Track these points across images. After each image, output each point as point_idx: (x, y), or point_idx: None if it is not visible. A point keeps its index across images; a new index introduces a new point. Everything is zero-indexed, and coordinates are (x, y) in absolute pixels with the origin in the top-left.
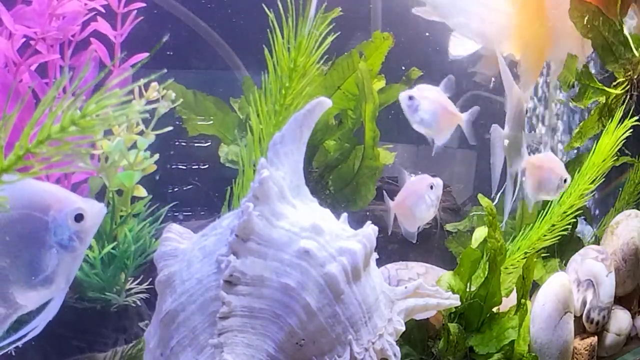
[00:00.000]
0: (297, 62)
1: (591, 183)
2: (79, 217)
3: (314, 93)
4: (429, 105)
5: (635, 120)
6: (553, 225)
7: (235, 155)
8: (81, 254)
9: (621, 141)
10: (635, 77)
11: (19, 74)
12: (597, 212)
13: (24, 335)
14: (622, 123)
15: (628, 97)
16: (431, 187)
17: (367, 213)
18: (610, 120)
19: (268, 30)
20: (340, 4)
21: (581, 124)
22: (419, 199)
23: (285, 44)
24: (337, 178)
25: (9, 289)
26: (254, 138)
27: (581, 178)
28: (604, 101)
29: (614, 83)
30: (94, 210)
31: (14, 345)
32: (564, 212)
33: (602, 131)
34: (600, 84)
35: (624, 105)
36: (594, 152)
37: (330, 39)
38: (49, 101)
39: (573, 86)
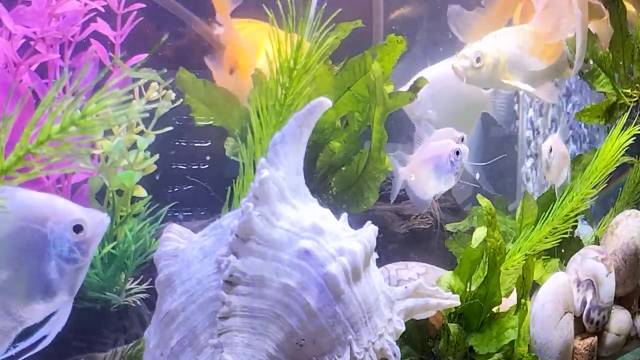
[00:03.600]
0: (297, 62)
1: (593, 188)
2: (77, 228)
3: (323, 93)
4: None
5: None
6: (554, 228)
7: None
8: (84, 265)
9: (624, 148)
10: None
11: (19, 74)
12: (597, 212)
13: (34, 346)
14: (625, 130)
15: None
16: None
17: (369, 213)
18: (613, 127)
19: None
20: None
21: (593, 104)
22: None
23: (285, 44)
24: (340, 179)
25: (11, 302)
26: (254, 138)
27: (583, 183)
28: (614, 99)
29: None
30: (94, 221)
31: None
32: (566, 216)
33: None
34: (614, 81)
35: (628, 112)
36: (596, 157)
37: (330, 39)
38: (49, 101)
39: (586, 61)
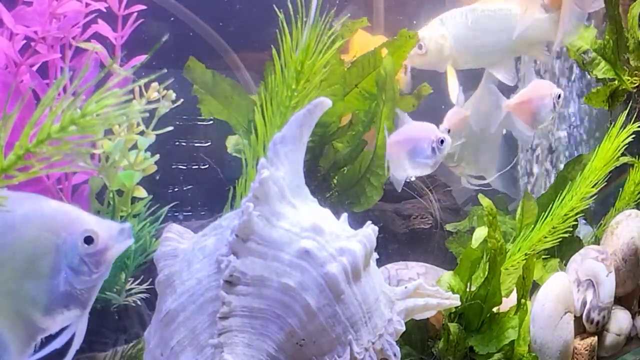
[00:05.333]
0: (304, 65)
1: (593, 186)
2: (88, 240)
3: (333, 84)
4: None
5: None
6: (554, 228)
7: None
8: (97, 279)
9: (623, 146)
10: None
11: (20, 74)
12: (597, 212)
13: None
14: (624, 129)
15: (633, 99)
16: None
17: (369, 213)
18: (612, 125)
19: (277, 31)
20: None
21: (598, 87)
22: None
23: (293, 47)
24: (343, 178)
25: (26, 311)
26: (258, 139)
27: (583, 181)
28: (615, 84)
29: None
30: (108, 232)
31: None
32: (565, 215)
33: (603, 135)
34: (616, 67)
35: (627, 111)
36: (595, 156)
37: (338, 44)
38: (49, 101)
39: (584, 52)
